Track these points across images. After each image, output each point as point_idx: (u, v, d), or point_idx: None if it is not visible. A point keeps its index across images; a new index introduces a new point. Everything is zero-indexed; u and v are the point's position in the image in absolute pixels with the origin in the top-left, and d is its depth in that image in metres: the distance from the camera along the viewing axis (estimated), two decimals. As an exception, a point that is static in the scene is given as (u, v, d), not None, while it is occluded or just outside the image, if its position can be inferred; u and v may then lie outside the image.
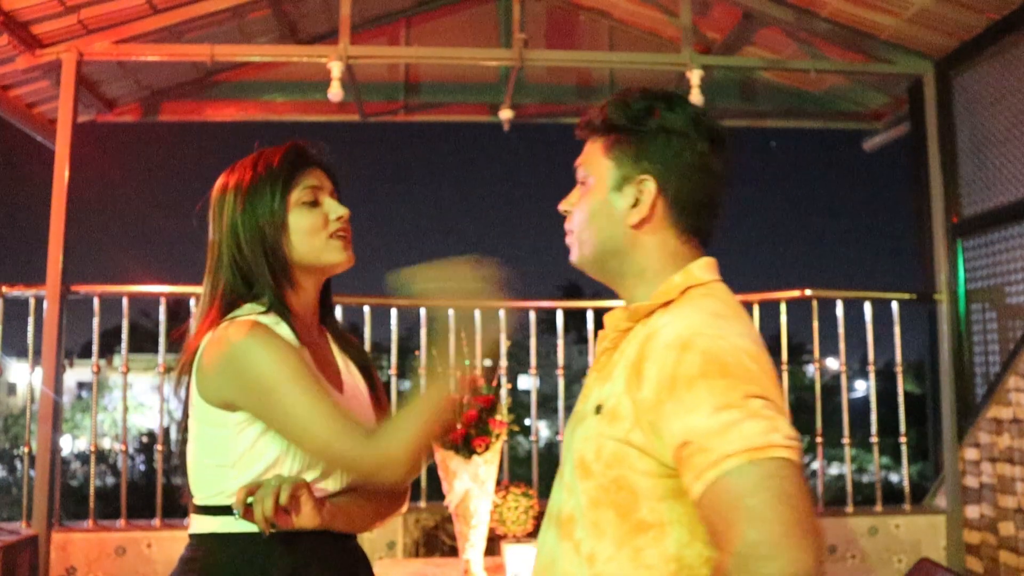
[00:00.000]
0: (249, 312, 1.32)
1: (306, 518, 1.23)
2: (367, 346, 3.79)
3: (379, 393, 1.49)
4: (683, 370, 0.96)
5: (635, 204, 1.11)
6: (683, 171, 1.11)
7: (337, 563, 1.32)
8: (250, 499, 1.20)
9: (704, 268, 1.12)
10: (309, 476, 1.28)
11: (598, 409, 1.06)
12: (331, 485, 1.31)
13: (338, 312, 3.66)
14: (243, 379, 1.25)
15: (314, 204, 1.36)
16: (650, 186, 1.11)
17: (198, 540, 1.31)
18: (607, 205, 1.13)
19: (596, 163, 1.15)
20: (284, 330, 1.32)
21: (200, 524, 1.30)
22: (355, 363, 1.47)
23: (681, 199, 1.12)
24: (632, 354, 1.05)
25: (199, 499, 1.31)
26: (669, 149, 1.11)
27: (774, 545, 0.83)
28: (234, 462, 1.28)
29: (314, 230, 1.35)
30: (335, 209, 1.37)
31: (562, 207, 1.21)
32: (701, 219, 1.14)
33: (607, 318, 1.19)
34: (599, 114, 1.16)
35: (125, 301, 3.64)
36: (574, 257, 1.19)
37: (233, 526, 1.26)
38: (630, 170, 1.12)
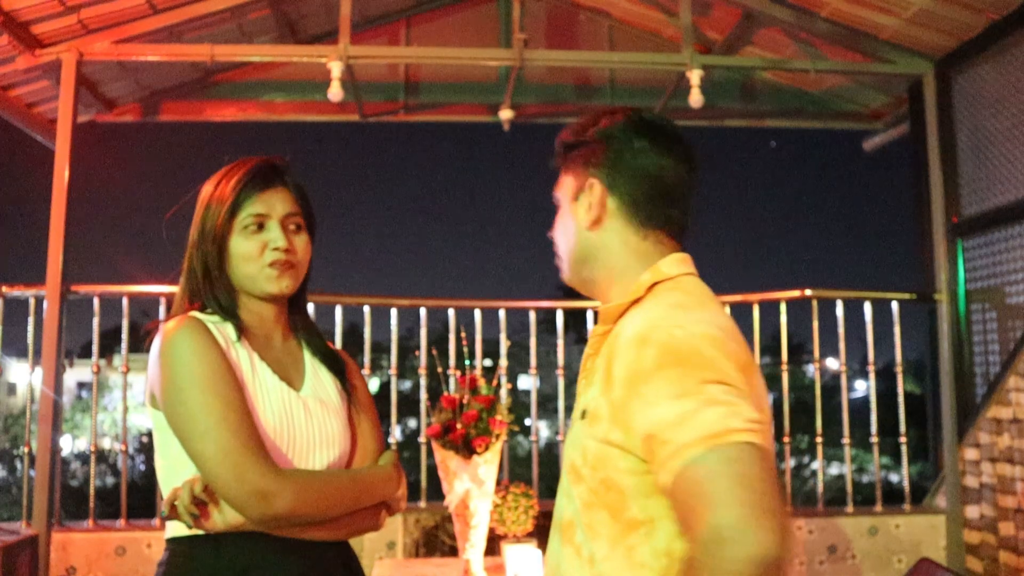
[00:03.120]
0: (197, 313, 1.36)
1: (230, 515, 1.23)
2: (367, 346, 3.79)
3: (357, 396, 1.48)
4: (641, 365, 0.98)
5: (589, 208, 1.17)
6: (627, 170, 1.16)
7: (299, 563, 1.29)
8: (176, 502, 1.23)
9: (673, 263, 1.15)
10: None
11: (583, 414, 1.09)
12: None
13: (337, 312, 3.68)
14: (163, 374, 1.27)
15: (260, 229, 1.37)
16: (596, 188, 1.17)
17: (168, 543, 1.33)
18: (569, 216, 1.21)
19: (562, 184, 1.24)
20: (226, 327, 1.35)
21: (169, 528, 1.32)
22: (329, 369, 1.46)
23: (631, 196, 1.16)
24: (606, 355, 1.08)
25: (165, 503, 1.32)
26: (610, 152, 1.17)
27: (736, 528, 0.84)
28: (176, 464, 1.29)
29: (249, 258, 1.36)
30: (275, 239, 1.37)
31: (551, 235, 1.29)
32: (656, 213, 1.16)
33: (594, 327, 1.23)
34: (559, 143, 1.24)
35: (125, 301, 3.64)
36: (563, 276, 1.26)
37: (192, 528, 1.27)
38: (581, 179, 1.19)
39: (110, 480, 18.45)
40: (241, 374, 1.31)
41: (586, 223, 1.18)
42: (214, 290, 1.37)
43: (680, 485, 0.89)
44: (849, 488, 3.82)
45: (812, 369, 4.08)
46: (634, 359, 0.99)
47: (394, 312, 3.77)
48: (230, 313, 1.37)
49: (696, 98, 3.81)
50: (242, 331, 1.36)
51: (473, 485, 2.28)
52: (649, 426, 0.94)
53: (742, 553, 0.83)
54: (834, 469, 18.41)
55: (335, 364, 1.47)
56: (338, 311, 3.68)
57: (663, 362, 0.96)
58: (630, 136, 1.17)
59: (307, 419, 1.35)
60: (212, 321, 1.35)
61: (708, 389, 0.93)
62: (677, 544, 1.00)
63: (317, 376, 1.43)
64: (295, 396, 1.36)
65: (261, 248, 1.36)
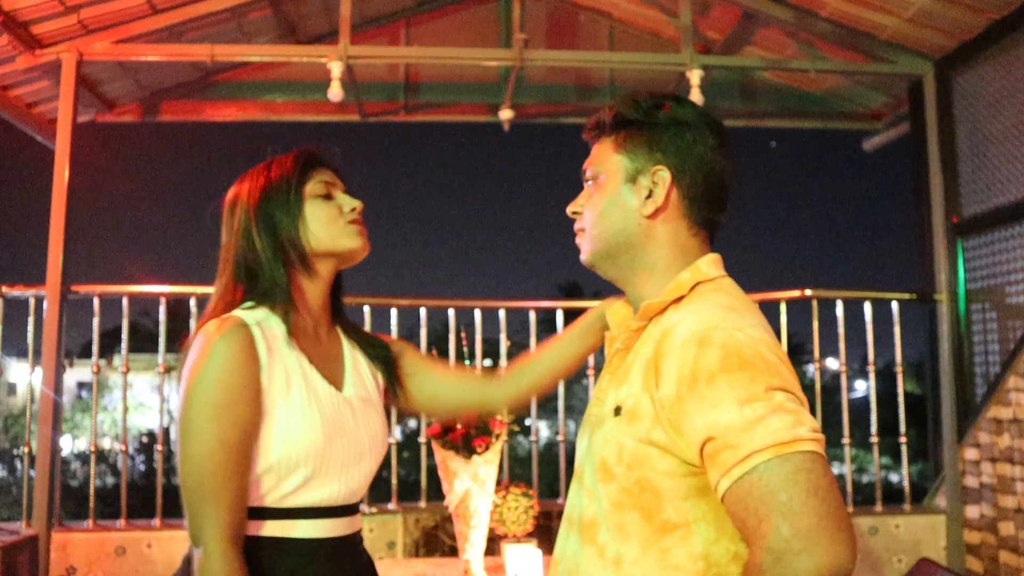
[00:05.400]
0: (242, 311, 1.32)
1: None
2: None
3: (413, 353, 1.54)
4: (703, 365, 0.95)
5: (649, 195, 1.11)
6: (696, 162, 1.11)
7: (339, 568, 1.31)
8: None
9: (711, 264, 1.12)
10: (294, 481, 1.26)
11: (617, 411, 1.05)
12: (320, 495, 1.29)
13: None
14: (186, 384, 1.25)
15: (328, 197, 1.39)
16: (665, 176, 1.10)
17: None
18: (620, 198, 1.12)
19: (607, 160, 1.14)
20: (273, 325, 1.31)
21: None
22: (371, 358, 1.47)
23: (694, 190, 1.12)
24: (648, 352, 1.04)
25: None
26: (681, 140, 1.11)
27: (808, 539, 0.83)
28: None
29: (331, 219, 1.38)
30: (349, 201, 1.41)
31: (570, 210, 1.21)
32: (712, 212, 1.14)
33: (610, 315, 1.18)
34: (608, 113, 1.16)
35: (125, 301, 3.64)
36: (585, 256, 1.18)
37: None
38: (643, 162, 1.11)
39: (110, 480, 18.45)
40: (289, 378, 1.28)
41: (646, 210, 1.10)
42: (289, 260, 1.35)
43: (745, 491, 0.88)
44: (849, 488, 3.83)
45: (812, 369, 4.08)
46: (692, 359, 0.96)
47: (394, 312, 3.78)
48: (285, 296, 1.34)
49: (696, 98, 3.80)
50: (290, 326, 1.33)
51: (473, 485, 2.28)
52: (710, 428, 0.92)
53: (813, 564, 0.83)
54: (834, 469, 18.27)
55: (373, 348, 1.48)
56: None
57: (727, 365, 0.93)
58: (704, 129, 1.12)
59: (355, 422, 1.35)
60: (258, 319, 1.31)
61: (775, 396, 0.91)
62: (715, 548, 0.98)
63: (356, 370, 1.43)
64: (341, 399, 1.35)
65: (338, 211, 1.39)
